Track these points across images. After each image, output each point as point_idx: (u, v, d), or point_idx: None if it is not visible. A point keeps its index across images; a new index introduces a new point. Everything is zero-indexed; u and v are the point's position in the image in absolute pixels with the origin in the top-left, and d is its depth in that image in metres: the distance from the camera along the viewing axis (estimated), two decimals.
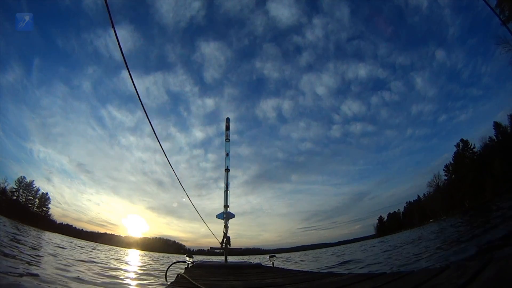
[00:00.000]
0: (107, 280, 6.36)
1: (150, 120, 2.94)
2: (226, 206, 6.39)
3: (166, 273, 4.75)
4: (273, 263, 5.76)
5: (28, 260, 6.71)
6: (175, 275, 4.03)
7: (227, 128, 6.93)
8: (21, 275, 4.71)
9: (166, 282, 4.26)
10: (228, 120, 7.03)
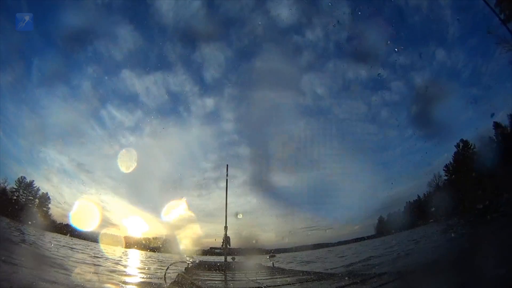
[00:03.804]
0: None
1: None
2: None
3: (165, 272, 4.74)
4: (273, 263, 5.77)
5: None
6: (175, 275, 4.02)
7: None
8: None
9: (165, 282, 4.26)
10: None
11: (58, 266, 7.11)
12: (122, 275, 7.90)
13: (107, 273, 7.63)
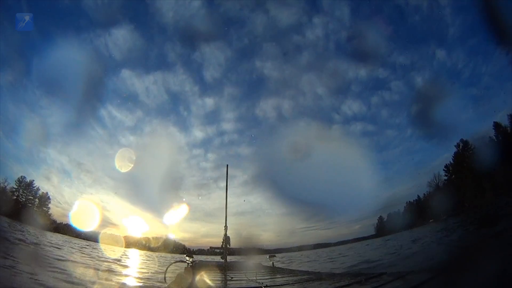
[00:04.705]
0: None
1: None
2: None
3: (165, 272, 4.74)
4: (273, 263, 5.77)
5: None
6: (175, 275, 4.01)
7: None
8: None
9: (165, 282, 4.27)
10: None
11: (57, 266, 7.11)
12: (121, 275, 7.91)
13: (107, 273, 7.63)
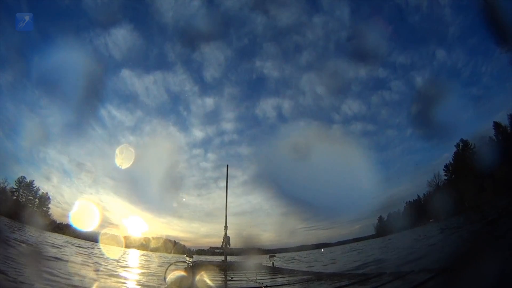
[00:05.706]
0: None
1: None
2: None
3: (165, 273, 4.75)
4: (273, 263, 5.77)
5: None
6: (175, 275, 4.02)
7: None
8: None
9: (165, 282, 4.28)
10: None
11: (57, 266, 7.11)
12: (121, 275, 7.92)
13: (106, 273, 7.64)
